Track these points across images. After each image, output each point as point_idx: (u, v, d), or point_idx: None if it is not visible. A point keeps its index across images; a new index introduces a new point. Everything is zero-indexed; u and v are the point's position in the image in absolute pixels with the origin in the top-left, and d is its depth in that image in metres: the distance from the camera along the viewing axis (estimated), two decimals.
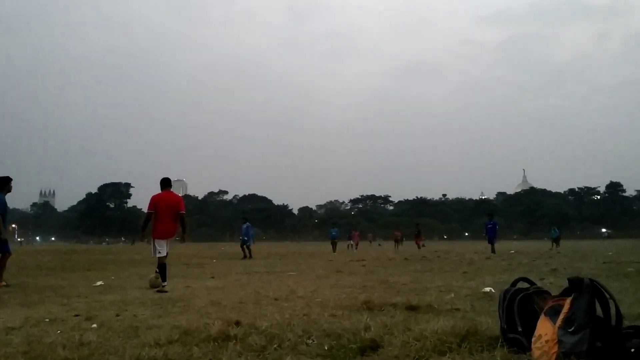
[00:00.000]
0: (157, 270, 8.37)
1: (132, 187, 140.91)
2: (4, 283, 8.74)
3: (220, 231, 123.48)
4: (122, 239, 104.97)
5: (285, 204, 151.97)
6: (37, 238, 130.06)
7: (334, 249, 31.02)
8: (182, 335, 3.79)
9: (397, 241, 39.31)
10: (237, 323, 4.09)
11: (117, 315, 5.12)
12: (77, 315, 5.18)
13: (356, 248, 37.13)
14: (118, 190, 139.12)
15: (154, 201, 8.57)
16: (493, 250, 21.67)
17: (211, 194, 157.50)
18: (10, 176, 9.56)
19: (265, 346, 3.42)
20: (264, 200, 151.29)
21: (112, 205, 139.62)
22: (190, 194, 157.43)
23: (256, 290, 7.52)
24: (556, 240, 35.27)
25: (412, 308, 5.12)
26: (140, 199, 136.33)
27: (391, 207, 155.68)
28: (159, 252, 8.40)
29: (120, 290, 8.07)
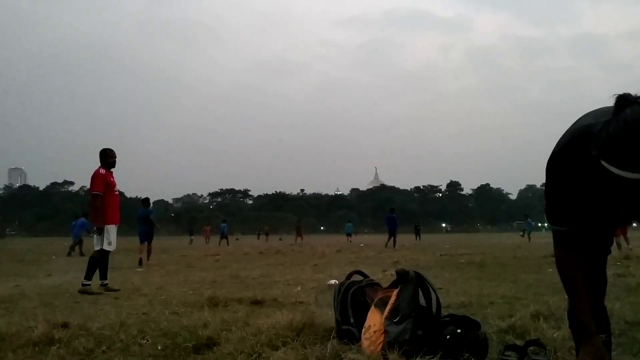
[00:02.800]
0: None
1: None
2: None
3: (64, 225, 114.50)
4: None
5: (138, 196, 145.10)
6: None
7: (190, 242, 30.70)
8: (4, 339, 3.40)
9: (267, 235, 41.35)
10: (65, 325, 3.76)
11: None
12: None
13: (207, 242, 36.52)
14: None
15: (105, 178, 7.35)
16: (394, 242, 22.65)
17: (54, 184, 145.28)
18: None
19: (92, 349, 3.17)
20: None
21: None
22: (30, 184, 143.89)
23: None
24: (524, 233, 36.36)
25: (257, 302, 5.12)
26: None
27: (250, 202, 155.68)
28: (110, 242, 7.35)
29: None
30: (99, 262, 7.22)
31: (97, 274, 7.18)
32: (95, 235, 7.34)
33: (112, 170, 7.54)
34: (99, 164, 7.49)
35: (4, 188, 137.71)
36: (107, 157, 7.49)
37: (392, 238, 23.04)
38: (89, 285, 6.86)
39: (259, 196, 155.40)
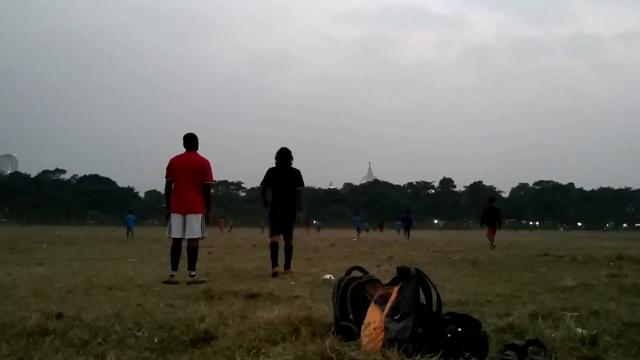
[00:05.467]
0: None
1: None
2: None
3: (55, 214, 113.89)
4: None
5: (130, 186, 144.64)
6: None
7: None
8: None
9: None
10: (59, 315, 3.72)
11: None
12: None
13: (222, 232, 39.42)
14: None
15: (172, 164, 7.19)
16: (408, 237, 28.67)
17: (46, 172, 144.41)
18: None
19: (88, 340, 3.13)
20: (107, 181, 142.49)
21: None
22: (21, 171, 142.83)
23: (88, 279, 6.99)
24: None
25: (252, 296, 5.09)
26: None
27: (244, 194, 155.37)
28: (172, 231, 7.17)
29: None
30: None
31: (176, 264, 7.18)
32: (203, 225, 7.27)
33: None
34: (190, 149, 7.30)
35: None
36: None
37: (407, 233, 29.29)
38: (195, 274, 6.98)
39: (252, 188, 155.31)
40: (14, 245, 16.70)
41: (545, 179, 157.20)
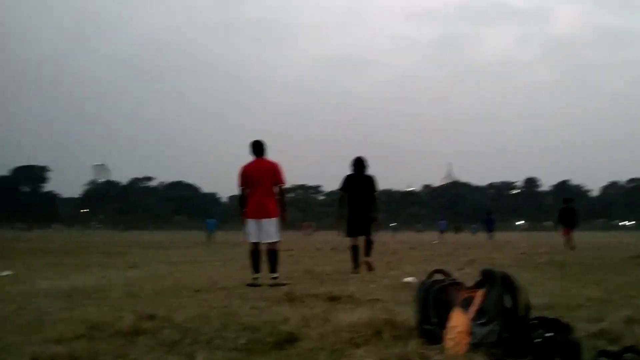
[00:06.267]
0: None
1: (48, 170, 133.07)
2: None
3: (143, 219, 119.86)
4: (22, 225, 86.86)
5: (213, 192, 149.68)
6: None
7: None
8: (90, 329, 3.59)
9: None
10: (151, 316, 3.93)
11: (19, 309, 4.79)
12: None
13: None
14: (33, 174, 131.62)
15: (244, 173, 7.38)
16: (491, 239, 30.58)
17: (135, 180, 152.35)
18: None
19: (178, 340, 3.29)
20: (191, 187, 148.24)
21: (26, 190, 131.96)
22: (114, 179, 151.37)
23: (176, 282, 7.31)
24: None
25: (333, 299, 5.13)
26: (59, 182, 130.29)
27: (322, 197, 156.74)
28: (249, 236, 7.33)
29: (28, 281, 7.57)
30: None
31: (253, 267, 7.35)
32: (278, 228, 7.43)
33: None
34: (258, 156, 7.44)
35: (89, 183, 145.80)
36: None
37: (490, 235, 31.23)
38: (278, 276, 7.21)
39: (331, 192, 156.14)
40: (108, 250, 17.73)
41: (638, 176, 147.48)
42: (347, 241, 9.02)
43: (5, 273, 8.56)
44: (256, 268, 7.23)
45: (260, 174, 7.34)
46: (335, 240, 30.63)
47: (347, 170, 9.04)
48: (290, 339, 3.15)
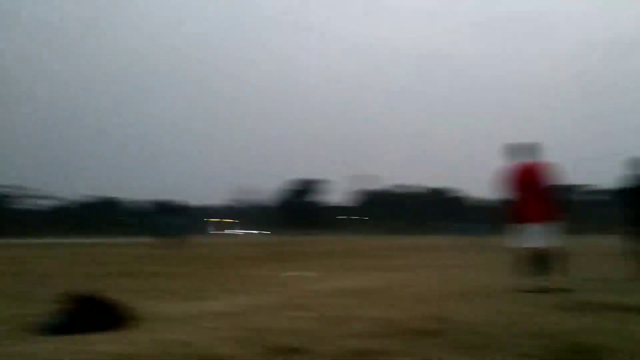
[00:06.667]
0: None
1: (326, 182, 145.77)
2: None
3: (408, 224, 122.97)
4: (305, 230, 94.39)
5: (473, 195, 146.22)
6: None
7: None
8: (383, 327, 3.88)
9: None
10: (439, 318, 4.08)
11: (324, 306, 5.33)
12: (285, 305, 5.49)
13: None
14: (313, 186, 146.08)
15: (503, 176, 6.98)
16: None
17: (396, 185, 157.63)
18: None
19: (467, 342, 3.35)
20: (450, 191, 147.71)
21: (307, 200, 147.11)
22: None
23: (453, 284, 7.40)
24: None
25: (627, 309, 4.58)
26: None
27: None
28: (516, 242, 6.92)
29: (327, 280, 8.46)
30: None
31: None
32: (548, 233, 6.86)
33: None
34: (522, 159, 6.98)
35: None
36: None
37: None
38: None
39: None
40: (375, 253, 18.96)
41: None
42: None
43: (309, 274, 9.86)
44: (527, 273, 6.79)
45: (522, 176, 6.84)
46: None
47: None
48: (578, 350, 2.94)
